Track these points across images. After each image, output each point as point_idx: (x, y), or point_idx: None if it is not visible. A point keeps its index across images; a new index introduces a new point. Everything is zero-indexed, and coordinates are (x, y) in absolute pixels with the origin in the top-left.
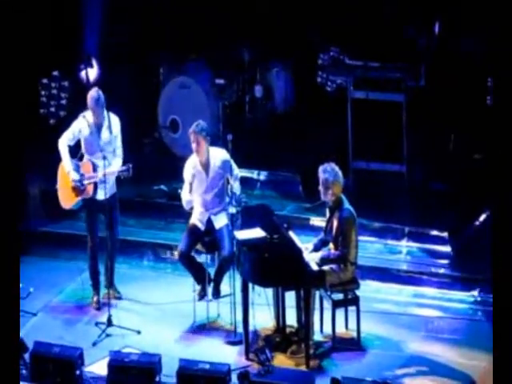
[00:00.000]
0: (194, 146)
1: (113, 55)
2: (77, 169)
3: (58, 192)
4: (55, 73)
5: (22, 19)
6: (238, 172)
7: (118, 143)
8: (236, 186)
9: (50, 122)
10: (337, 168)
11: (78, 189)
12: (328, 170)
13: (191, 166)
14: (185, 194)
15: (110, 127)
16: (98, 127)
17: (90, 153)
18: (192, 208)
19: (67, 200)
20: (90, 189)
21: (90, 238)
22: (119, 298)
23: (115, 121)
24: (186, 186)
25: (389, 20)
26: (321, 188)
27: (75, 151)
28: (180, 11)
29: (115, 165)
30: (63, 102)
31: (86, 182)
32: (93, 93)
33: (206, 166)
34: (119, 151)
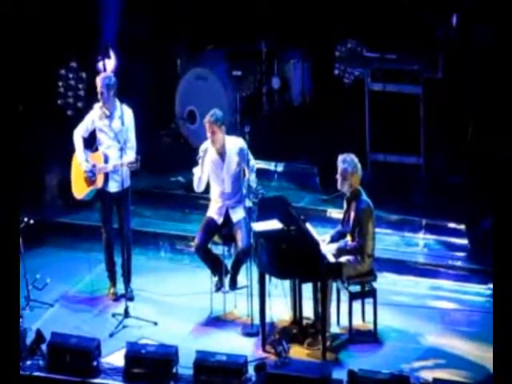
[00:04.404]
0: (209, 135)
1: (130, 46)
2: (88, 159)
3: (71, 182)
4: (73, 64)
5: (40, 10)
6: (255, 163)
7: (130, 135)
8: (252, 178)
9: (67, 113)
10: (356, 159)
11: (90, 179)
12: (347, 161)
13: (206, 153)
14: (197, 170)
15: (121, 118)
16: (110, 118)
17: (103, 143)
18: (204, 192)
19: (79, 190)
20: (101, 180)
21: (105, 230)
22: (130, 299)
23: (128, 112)
24: (199, 166)
25: (406, 12)
26: (339, 178)
27: (92, 143)
28: (197, 2)
29: (125, 157)
30: (81, 93)
31: (96, 172)
32: (103, 75)
33: (222, 153)
34: (130, 144)
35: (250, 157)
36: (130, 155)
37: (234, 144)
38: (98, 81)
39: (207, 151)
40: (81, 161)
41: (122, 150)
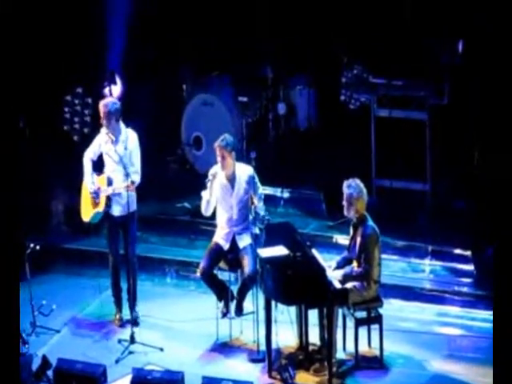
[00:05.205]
0: (219, 159)
1: (136, 72)
2: (94, 182)
3: (80, 205)
4: (79, 90)
5: (45, 37)
6: (263, 192)
7: (134, 159)
8: (260, 206)
9: (73, 139)
10: (361, 184)
11: (94, 201)
12: (352, 186)
13: (215, 177)
14: (205, 193)
15: (125, 142)
16: (115, 142)
17: (108, 167)
18: (210, 218)
19: (85, 212)
20: (103, 202)
21: (111, 254)
22: (136, 324)
23: (133, 136)
24: (207, 190)
25: (412, 38)
26: (344, 203)
27: (101, 166)
28: (203, 28)
29: (128, 181)
30: (87, 118)
31: (101, 195)
32: (104, 102)
33: (231, 179)
34: (134, 168)
35: (259, 185)
36: (133, 178)
37: (244, 171)
38: (100, 107)
39: (216, 175)
40: (87, 182)
41: (127, 175)
